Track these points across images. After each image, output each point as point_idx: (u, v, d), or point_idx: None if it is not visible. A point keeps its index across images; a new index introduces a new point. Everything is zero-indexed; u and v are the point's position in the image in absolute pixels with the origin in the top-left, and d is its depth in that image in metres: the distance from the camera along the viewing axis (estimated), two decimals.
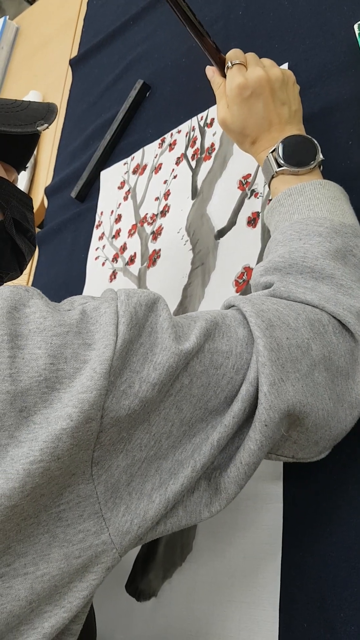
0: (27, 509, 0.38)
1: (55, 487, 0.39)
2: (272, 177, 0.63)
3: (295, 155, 0.61)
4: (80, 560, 0.41)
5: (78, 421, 0.38)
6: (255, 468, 0.47)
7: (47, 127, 0.65)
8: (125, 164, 1.09)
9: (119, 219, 1.04)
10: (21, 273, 0.68)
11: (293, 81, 0.67)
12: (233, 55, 0.67)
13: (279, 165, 0.62)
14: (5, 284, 0.55)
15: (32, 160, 1.38)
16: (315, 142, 0.62)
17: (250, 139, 0.66)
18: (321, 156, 0.62)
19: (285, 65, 0.82)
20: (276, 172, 0.62)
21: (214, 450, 0.45)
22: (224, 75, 0.68)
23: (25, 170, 1.34)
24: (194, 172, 0.92)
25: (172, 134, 1.00)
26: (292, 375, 0.46)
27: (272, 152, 0.63)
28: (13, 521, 0.38)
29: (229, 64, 0.67)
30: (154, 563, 0.69)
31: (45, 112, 0.67)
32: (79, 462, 0.40)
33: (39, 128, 0.64)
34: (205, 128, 0.93)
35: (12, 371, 0.38)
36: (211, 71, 0.70)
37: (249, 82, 0.64)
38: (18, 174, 0.70)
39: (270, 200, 0.63)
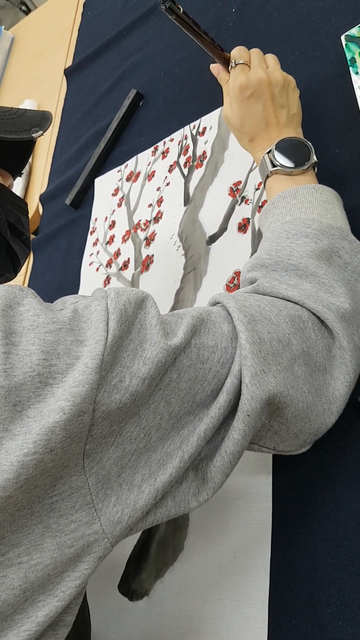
0: (21, 500, 0.39)
1: (49, 479, 0.40)
2: (267, 177, 0.65)
3: (290, 156, 0.63)
4: (73, 549, 0.42)
5: (70, 414, 0.39)
6: (239, 457, 0.48)
7: (42, 134, 0.66)
8: (119, 171, 1.10)
9: (112, 225, 1.05)
10: (15, 275, 0.69)
11: (293, 86, 0.70)
12: (237, 54, 0.69)
13: (274, 165, 0.64)
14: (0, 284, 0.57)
15: (27, 168, 1.39)
16: (310, 144, 0.64)
17: (248, 136, 0.68)
18: (315, 158, 0.63)
19: None
20: (271, 171, 0.64)
21: (201, 441, 0.46)
22: (229, 72, 0.70)
23: (20, 177, 1.35)
24: (186, 179, 0.93)
25: (165, 142, 1.02)
26: (273, 368, 0.47)
27: (267, 152, 0.65)
28: (7, 512, 0.39)
29: (233, 64, 0.69)
30: (146, 563, 0.70)
31: (41, 119, 0.68)
32: (72, 454, 0.41)
33: (34, 135, 0.65)
34: (197, 136, 0.95)
35: (6, 367, 0.39)
36: (217, 69, 0.72)
37: (250, 83, 0.66)
38: (14, 180, 0.72)
39: (265, 202, 0.65)
